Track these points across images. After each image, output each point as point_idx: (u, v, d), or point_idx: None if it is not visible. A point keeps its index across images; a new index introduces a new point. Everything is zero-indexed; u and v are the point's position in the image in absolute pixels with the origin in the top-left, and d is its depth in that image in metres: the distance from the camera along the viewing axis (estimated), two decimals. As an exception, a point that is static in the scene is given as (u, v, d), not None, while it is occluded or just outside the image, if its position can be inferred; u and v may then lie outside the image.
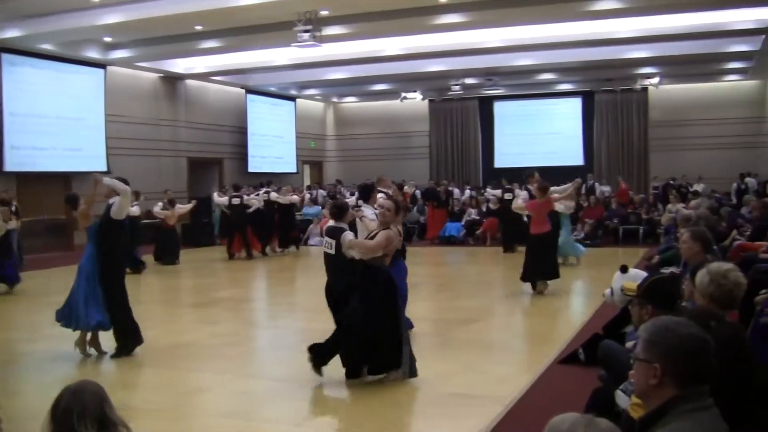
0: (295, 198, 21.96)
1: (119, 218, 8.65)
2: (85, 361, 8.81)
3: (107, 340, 8.97)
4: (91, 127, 23.11)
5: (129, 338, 8.66)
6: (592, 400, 5.08)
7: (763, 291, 7.56)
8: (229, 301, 13.94)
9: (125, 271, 8.90)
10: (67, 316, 8.73)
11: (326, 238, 8.08)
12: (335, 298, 8.02)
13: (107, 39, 21.67)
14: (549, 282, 13.47)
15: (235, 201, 20.48)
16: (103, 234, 8.67)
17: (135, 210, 16.88)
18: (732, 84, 30.19)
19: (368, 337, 7.41)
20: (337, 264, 7.92)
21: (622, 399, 4.38)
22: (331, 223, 8.11)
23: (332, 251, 7.91)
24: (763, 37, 21.72)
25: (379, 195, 9.98)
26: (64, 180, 22.64)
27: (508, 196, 21.04)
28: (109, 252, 8.60)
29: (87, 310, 8.49)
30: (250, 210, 20.64)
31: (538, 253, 13.43)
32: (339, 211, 8.17)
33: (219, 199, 21.25)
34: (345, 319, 7.63)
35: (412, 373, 7.61)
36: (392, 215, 7.84)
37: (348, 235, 7.76)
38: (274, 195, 21.50)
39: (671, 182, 27.01)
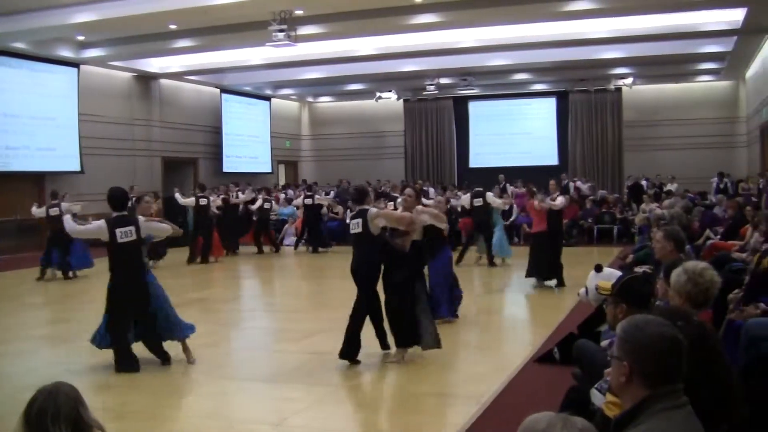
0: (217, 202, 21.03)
1: (105, 240, 8.43)
2: (58, 363, 8.76)
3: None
4: (65, 127, 22.96)
5: (117, 358, 8.31)
6: (567, 398, 5.11)
7: (736, 290, 7.63)
8: (205, 302, 13.86)
9: (125, 291, 8.30)
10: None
11: (353, 221, 8.68)
12: (360, 275, 8.52)
13: (80, 38, 21.54)
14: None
15: (202, 202, 19.77)
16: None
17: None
18: (705, 84, 30.44)
19: (394, 313, 8.43)
20: (363, 242, 8.50)
21: (596, 397, 4.40)
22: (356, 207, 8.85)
23: (359, 230, 8.46)
24: (735, 38, 21.92)
25: None
26: (37, 180, 22.51)
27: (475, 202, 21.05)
28: (110, 269, 8.49)
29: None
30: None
31: (532, 252, 14.02)
32: (360, 195, 8.93)
33: (184, 200, 20.68)
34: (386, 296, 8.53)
35: (436, 343, 8.42)
36: (413, 201, 9.11)
37: (373, 210, 8.53)
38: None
39: (640, 182, 27.23)
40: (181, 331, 8.64)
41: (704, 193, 25.19)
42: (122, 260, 8.41)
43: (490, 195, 17.76)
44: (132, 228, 8.35)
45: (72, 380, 3.26)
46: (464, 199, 19.26)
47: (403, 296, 8.45)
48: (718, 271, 4.93)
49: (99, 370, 8.38)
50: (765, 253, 8.01)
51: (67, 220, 9.54)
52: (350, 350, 8.33)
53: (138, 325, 8.44)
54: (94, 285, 13.63)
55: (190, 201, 20.09)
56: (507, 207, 19.28)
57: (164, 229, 8.98)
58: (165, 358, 8.45)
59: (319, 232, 22.14)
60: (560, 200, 14.11)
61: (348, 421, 6.61)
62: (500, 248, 17.61)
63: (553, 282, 13.91)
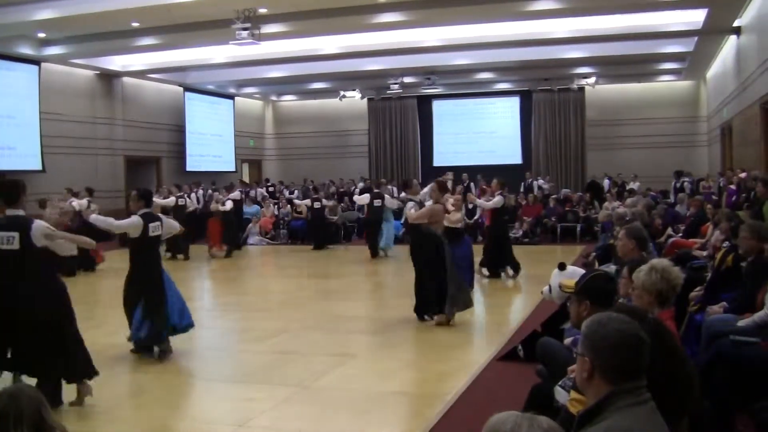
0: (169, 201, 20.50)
1: (135, 235, 9.03)
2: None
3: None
4: (25, 126, 22.59)
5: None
6: (530, 396, 5.13)
7: (698, 288, 7.73)
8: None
9: (147, 281, 8.99)
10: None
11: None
12: (413, 254, 10.90)
13: (41, 35, 21.26)
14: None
15: (181, 201, 19.45)
16: None
17: None
18: (667, 84, 30.73)
19: (421, 286, 10.58)
20: (410, 227, 11.27)
21: (560, 395, 4.42)
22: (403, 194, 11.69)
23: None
24: (696, 38, 22.15)
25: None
26: (-4, 179, 22.20)
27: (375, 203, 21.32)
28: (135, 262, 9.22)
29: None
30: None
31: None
32: (404, 184, 12.02)
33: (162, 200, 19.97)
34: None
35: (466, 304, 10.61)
36: (437, 194, 10.90)
37: (407, 207, 10.97)
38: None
39: (596, 179, 27.59)
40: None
41: (666, 192, 25.47)
42: (149, 253, 9.05)
43: (387, 198, 20.01)
44: (159, 224, 9.04)
45: (33, 382, 3.23)
46: (362, 198, 21.54)
47: (432, 271, 10.46)
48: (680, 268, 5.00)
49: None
50: (728, 251, 8.11)
51: (98, 217, 9.64)
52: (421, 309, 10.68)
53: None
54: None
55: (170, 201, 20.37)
56: (396, 207, 20.59)
57: (175, 226, 9.81)
58: (166, 350, 8.87)
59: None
60: (495, 200, 15.20)
61: (312, 421, 6.59)
62: (387, 240, 19.95)
63: (510, 272, 15.19)
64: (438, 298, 10.38)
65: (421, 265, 10.60)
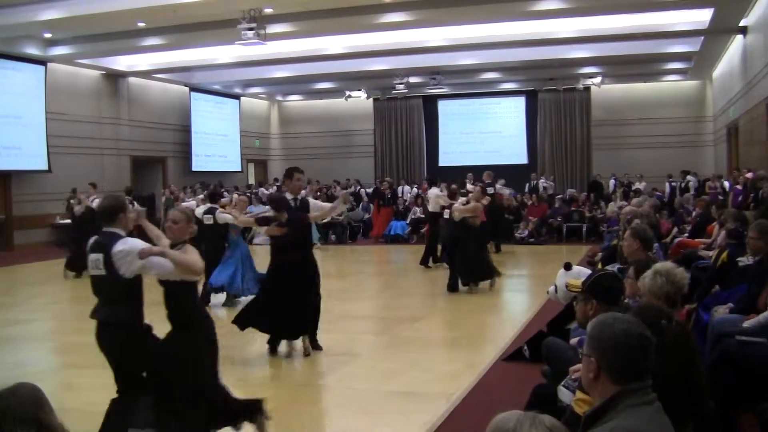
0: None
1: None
2: (23, 363, 8.67)
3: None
4: (32, 126, 22.65)
5: None
6: (533, 396, 5.12)
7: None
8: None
9: None
10: None
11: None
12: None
13: (47, 35, 21.31)
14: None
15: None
16: None
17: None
18: (673, 84, 30.67)
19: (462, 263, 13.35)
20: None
21: (564, 394, 4.42)
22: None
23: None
24: (702, 38, 22.11)
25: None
26: (3, 179, 22.23)
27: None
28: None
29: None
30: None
31: None
32: (451, 193, 15.24)
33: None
34: None
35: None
36: (478, 194, 14.12)
37: (455, 205, 13.77)
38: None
39: (598, 179, 27.65)
40: None
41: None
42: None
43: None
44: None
45: (36, 381, 3.23)
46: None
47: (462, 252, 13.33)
48: (685, 268, 4.99)
49: (64, 368, 8.30)
50: (724, 249, 8.11)
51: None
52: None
53: None
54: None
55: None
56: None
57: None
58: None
59: None
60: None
61: (317, 421, 6.59)
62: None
63: None
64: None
65: (454, 247, 13.56)
